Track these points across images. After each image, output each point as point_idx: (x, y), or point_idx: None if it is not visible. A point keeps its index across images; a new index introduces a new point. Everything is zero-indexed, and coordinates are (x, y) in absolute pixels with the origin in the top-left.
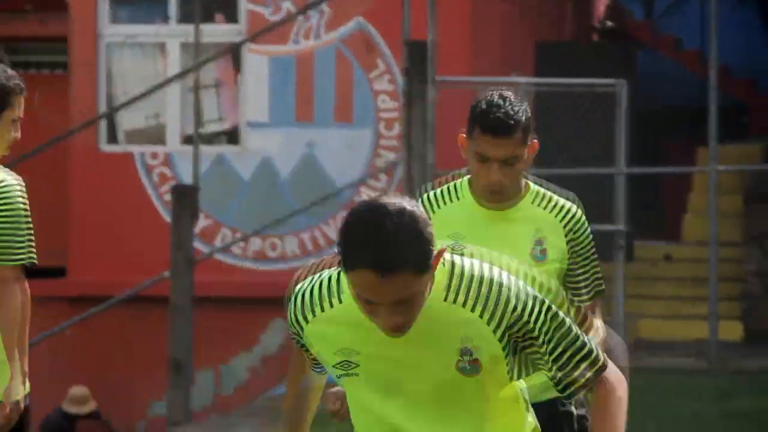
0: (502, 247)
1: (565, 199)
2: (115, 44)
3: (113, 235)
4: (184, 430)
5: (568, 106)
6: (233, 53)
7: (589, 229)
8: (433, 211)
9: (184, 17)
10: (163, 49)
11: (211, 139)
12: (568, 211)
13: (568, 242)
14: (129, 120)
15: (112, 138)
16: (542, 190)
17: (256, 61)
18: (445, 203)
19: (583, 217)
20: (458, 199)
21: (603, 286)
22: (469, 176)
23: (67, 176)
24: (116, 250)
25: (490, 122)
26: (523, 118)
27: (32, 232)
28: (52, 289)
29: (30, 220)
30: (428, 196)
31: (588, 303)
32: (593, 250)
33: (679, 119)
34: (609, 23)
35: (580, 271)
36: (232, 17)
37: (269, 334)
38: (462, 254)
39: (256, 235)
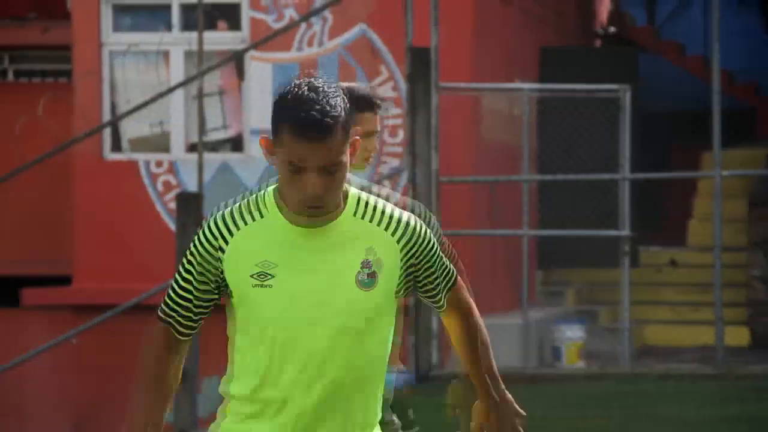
0: (324, 273)
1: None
2: (118, 52)
3: (118, 244)
4: None
5: (572, 112)
6: (236, 61)
7: (432, 240)
8: (231, 234)
9: (187, 25)
10: (166, 57)
11: (216, 146)
12: (400, 222)
13: (403, 261)
14: (133, 128)
15: (116, 146)
16: (365, 196)
17: (260, 68)
18: (245, 222)
19: (423, 228)
20: (261, 216)
21: (453, 276)
22: (274, 186)
23: (71, 185)
24: (121, 259)
25: (302, 123)
26: (342, 112)
27: None
28: (58, 298)
29: None
30: (222, 215)
31: (448, 300)
32: (440, 261)
33: (683, 124)
34: (612, 29)
35: (428, 284)
36: (234, 25)
37: None
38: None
39: None
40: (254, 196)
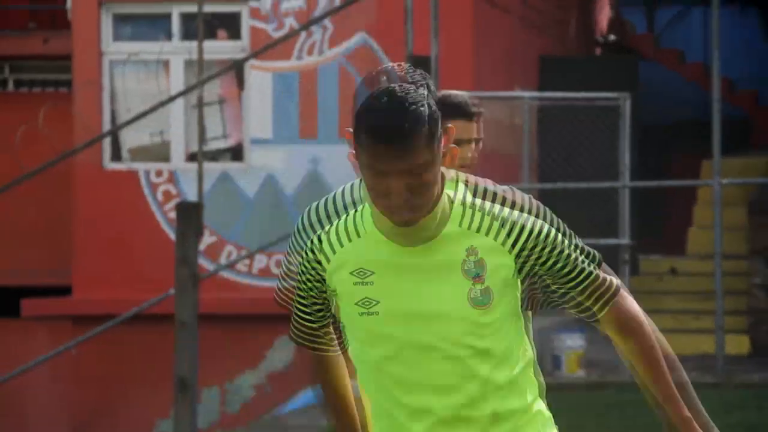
0: (433, 295)
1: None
2: (118, 62)
3: (118, 253)
4: None
5: (572, 121)
6: (237, 70)
7: (554, 238)
8: (327, 260)
9: (187, 34)
10: (166, 66)
11: (216, 156)
12: (513, 225)
13: (520, 267)
14: (133, 138)
15: (117, 156)
16: (470, 201)
17: (260, 77)
18: (341, 245)
19: (539, 226)
20: (358, 236)
21: (610, 285)
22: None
23: (71, 194)
24: (121, 268)
25: (378, 127)
26: (426, 109)
27: None
28: (58, 308)
29: None
30: (319, 238)
31: (608, 306)
32: (575, 261)
33: (682, 132)
34: (612, 37)
35: (566, 289)
36: (235, 34)
37: (275, 351)
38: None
39: (261, 251)
40: (352, 214)
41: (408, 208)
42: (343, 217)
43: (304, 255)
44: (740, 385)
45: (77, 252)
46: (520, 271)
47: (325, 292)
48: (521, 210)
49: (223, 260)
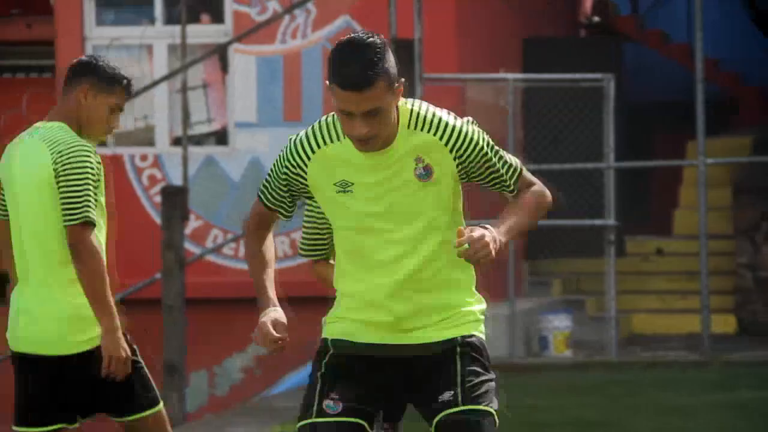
0: (390, 186)
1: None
2: (101, 47)
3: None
4: (179, 431)
5: (556, 102)
6: (220, 54)
7: (479, 138)
8: (313, 152)
9: (170, 19)
10: (149, 51)
11: (200, 140)
12: (447, 125)
13: (456, 159)
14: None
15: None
16: (418, 107)
17: (244, 61)
18: (325, 143)
19: (469, 129)
20: (339, 140)
21: (518, 169)
22: None
23: None
24: (107, 253)
25: (342, 79)
26: (381, 65)
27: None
28: None
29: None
30: (307, 135)
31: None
32: (495, 155)
33: (667, 113)
34: (595, 18)
35: (490, 176)
36: (218, 18)
37: None
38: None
39: None
40: (329, 121)
41: (366, 138)
42: (320, 123)
43: (286, 155)
44: (726, 364)
45: None
46: (459, 168)
47: (302, 184)
48: (460, 124)
49: (209, 244)
